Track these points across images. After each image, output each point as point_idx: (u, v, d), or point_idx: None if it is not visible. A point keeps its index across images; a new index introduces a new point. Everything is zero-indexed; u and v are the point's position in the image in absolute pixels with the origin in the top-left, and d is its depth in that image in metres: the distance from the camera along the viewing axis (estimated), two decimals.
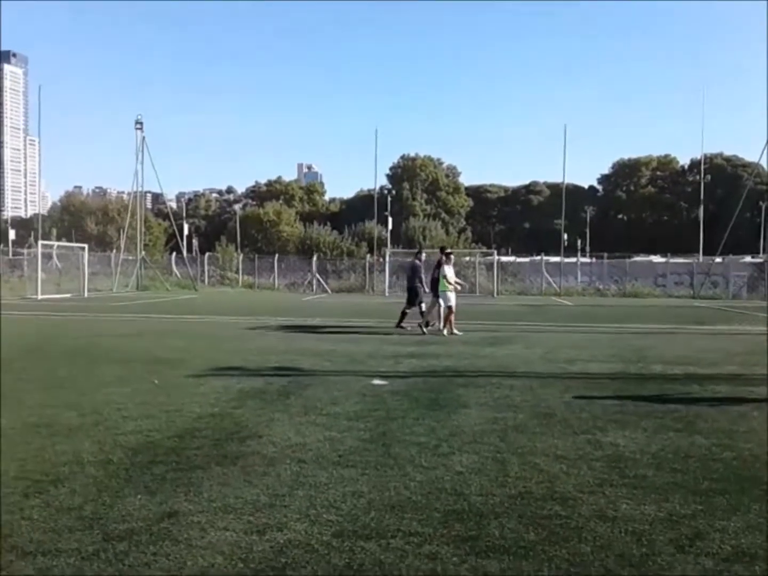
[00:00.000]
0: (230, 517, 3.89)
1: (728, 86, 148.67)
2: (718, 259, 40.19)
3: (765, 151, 37.86)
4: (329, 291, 39.11)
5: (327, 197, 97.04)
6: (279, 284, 41.48)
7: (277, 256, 43.46)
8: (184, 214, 76.30)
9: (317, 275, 40.64)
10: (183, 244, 45.98)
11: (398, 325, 15.62)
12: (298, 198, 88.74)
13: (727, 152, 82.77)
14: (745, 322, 19.62)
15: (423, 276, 16.03)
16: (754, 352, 12.06)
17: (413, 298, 15.89)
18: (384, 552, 3.44)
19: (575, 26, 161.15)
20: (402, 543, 3.55)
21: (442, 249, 15.99)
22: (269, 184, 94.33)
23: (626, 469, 4.89)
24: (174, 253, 44.50)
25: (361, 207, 72.72)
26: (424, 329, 14.86)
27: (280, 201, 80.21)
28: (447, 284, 14.67)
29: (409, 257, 41.91)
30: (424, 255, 16.82)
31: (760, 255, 39.79)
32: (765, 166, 42.81)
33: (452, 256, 15.33)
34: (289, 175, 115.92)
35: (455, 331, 14.57)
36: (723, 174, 77.74)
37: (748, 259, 41.71)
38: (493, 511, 4.03)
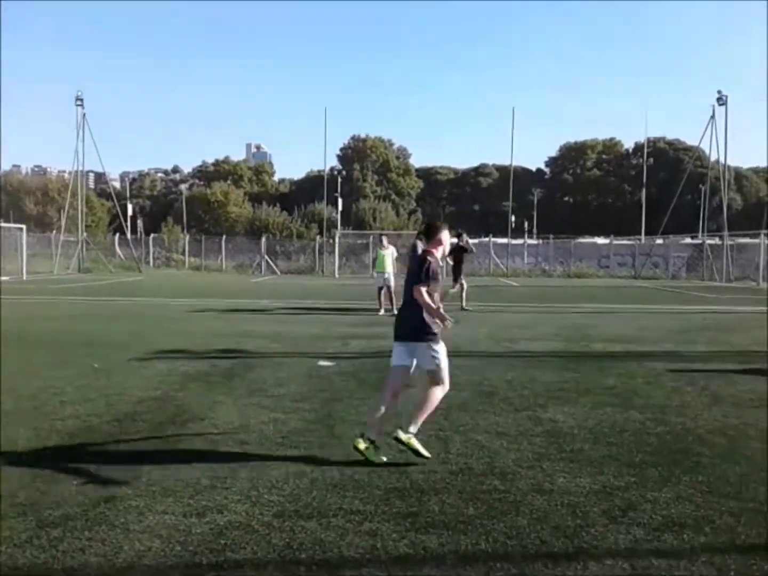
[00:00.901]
0: (169, 500, 3.84)
1: (671, 71, 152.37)
2: (659, 241, 41.44)
3: (705, 135, 39.05)
4: (278, 272, 38.80)
5: (276, 178, 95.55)
6: (227, 266, 40.95)
7: (224, 237, 42.81)
8: (128, 194, 74.16)
9: (266, 257, 40.24)
10: (127, 225, 44.84)
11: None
12: (246, 178, 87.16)
13: (670, 136, 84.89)
14: (684, 302, 20.31)
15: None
16: (691, 330, 12.51)
17: None
18: (324, 530, 3.45)
19: (521, 9, 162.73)
20: (343, 521, 3.57)
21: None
22: (217, 163, 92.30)
23: (564, 443, 5.02)
24: (117, 234, 43.38)
25: (311, 188, 72.00)
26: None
27: (228, 181, 78.66)
28: (383, 266, 15.01)
29: (360, 239, 42.04)
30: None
31: (699, 236, 41.11)
32: (706, 149, 44.06)
33: (384, 238, 15.65)
34: (238, 155, 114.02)
35: (380, 311, 14.86)
36: (665, 157, 79.65)
37: (687, 240, 43.04)
38: (433, 487, 4.09)
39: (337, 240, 39.18)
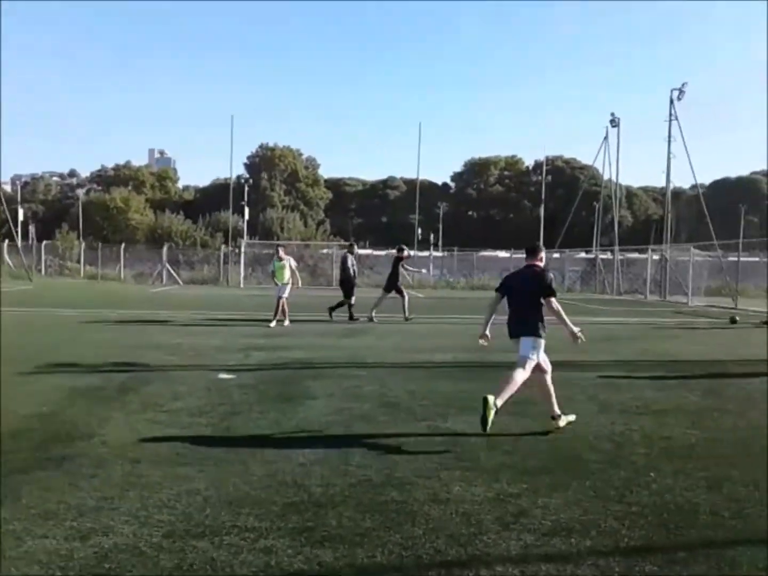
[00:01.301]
0: (50, 523, 3.62)
1: (567, 93, 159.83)
2: (556, 255, 43.25)
3: (599, 155, 41.23)
4: (181, 282, 37.66)
5: (180, 184, 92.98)
6: (126, 275, 39.36)
7: (123, 245, 41.15)
8: (20, 198, 70.10)
9: (168, 266, 38.96)
10: (17, 231, 42.28)
11: (351, 318, 16.10)
12: (148, 184, 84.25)
13: (567, 155, 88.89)
14: (578, 313, 21.24)
15: (353, 269, 16.74)
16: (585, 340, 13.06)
17: (348, 290, 16.43)
18: (217, 550, 3.35)
19: (427, 26, 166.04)
20: (237, 539, 3.48)
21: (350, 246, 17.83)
22: (117, 168, 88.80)
23: (462, 452, 5.12)
24: (6, 241, 40.83)
25: (216, 196, 70.49)
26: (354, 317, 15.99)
27: (129, 187, 75.88)
28: (282, 276, 14.90)
29: (267, 248, 41.52)
30: (356, 248, 17.72)
31: (593, 251, 43.25)
32: (599, 168, 46.52)
33: (281, 249, 15.58)
34: (140, 160, 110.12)
35: (284, 322, 14.62)
36: (563, 175, 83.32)
37: (582, 254, 45.15)
38: (332, 500, 4.05)
39: (242, 249, 38.51)
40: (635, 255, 37.80)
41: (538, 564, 3.29)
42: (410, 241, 48.07)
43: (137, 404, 6.53)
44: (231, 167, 53.35)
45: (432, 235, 62.80)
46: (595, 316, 19.83)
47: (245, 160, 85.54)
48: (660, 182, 53.61)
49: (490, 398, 5.44)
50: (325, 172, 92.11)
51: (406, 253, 17.13)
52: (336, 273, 38.55)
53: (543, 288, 5.85)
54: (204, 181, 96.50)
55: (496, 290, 6.31)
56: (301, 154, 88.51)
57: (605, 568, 3.26)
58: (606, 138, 40.19)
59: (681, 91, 32.63)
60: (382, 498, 4.11)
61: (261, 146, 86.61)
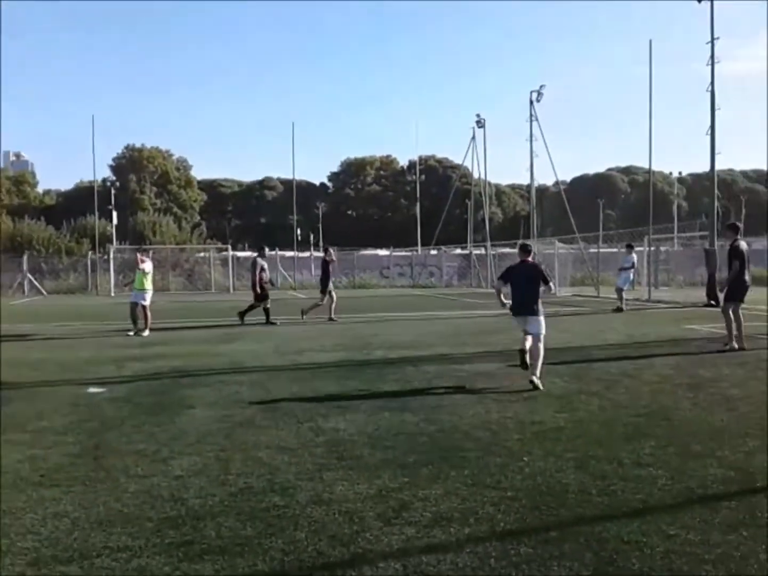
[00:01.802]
0: None
1: (439, 94, 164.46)
2: (434, 252, 44.49)
3: (468, 155, 42.74)
4: (45, 293, 35.27)
5: (40, 189, 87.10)
6: None
7: None
8: None
9: (29, 276, 36.36)
10: None
11: (268, 321, 16.10)
12: (4, 190, 78.37)
13: (440, 155, 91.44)
14: (455, 308, 21.95)
15: (261, 272, 16.58)
16: (461, 334, 13.54)
17: (259, 293, 16.51)
18: (87, 574, 3.16)
19: (302, 25, 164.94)
20: (109, 561, 3.29)
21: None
22: None
23: (344, 451, 5.13)
24: None
25: (80, 200, 66.56)
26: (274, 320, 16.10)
27: None
28: (144, 282, 14.27)
29: (138, 253, 39.68)
30: (267, 250, 18.20)
31: (467, 247, 44.80)
32: (469, 167, 48.22)
33: (142, 255, 15.04)
34: None
35: (144, 331, 13.99)
36: (436, 174, 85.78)
37: (458, 251, 46.68)
38: (211, 512, 3.93)
39: (111, 255, 36.63)
40: (507, 249, 39.50)
41: (419, 556, 3.34)
42: (290, 242, 47.78)
43: None
44: (94, 169, 50.69)
45: (312, 235, 62.66)
46: (473, 309, 20.56)
47: (111, 162, 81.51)
48: (525, 180, 56.40)
49: (535, 380, 7.39)
50: (198, 173, 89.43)
51: (329, 254, 17.77)
52: (215, 277, 37.68)
53: (543, 277, 7.87)
54: (67, 185, 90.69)
55: (500, 278, 8.35)
56: (171, 155, 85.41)
57: (483, 554, 3.36)
58: (473, 138, 41.79)
59: (540, 93, 34.48)
60: (263, 504, 4.04)
61: (127, 147, 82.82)
